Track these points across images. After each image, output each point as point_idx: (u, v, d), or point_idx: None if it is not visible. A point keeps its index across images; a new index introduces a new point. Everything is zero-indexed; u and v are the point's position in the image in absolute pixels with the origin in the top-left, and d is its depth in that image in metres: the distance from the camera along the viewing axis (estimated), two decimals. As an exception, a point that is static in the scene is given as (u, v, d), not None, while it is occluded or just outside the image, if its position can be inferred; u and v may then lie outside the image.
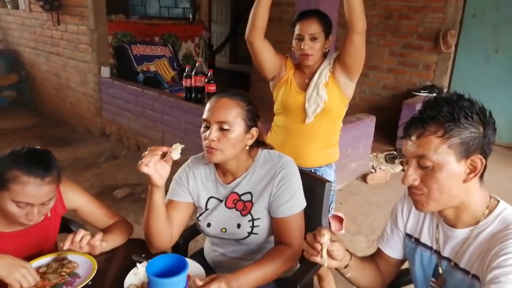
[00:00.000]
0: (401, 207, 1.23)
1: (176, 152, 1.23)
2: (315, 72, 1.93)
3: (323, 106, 1.88)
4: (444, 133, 0.95)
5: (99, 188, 3.64)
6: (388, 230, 1.26)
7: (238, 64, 9.54)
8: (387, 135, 4.51)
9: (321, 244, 1.02)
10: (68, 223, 1.66)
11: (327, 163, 2.02)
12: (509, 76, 4.41)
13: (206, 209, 1.45)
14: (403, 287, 1.38)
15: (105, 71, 4.68)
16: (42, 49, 5.59)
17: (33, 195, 1.23)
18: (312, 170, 1.98)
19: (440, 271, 1.11)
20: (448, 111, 0.95)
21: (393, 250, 1.25)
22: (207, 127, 1.32)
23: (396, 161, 4.06)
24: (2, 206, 1.26)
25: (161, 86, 4.54)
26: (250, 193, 1.41)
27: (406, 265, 1.35)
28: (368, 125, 3.69)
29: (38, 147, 1.33)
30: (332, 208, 2.07)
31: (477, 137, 0.95)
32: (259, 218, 1.39)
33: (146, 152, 1.20)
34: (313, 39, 1.85)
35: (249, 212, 1.39)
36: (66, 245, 1.23)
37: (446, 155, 0.96)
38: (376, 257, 1.30)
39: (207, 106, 1.35)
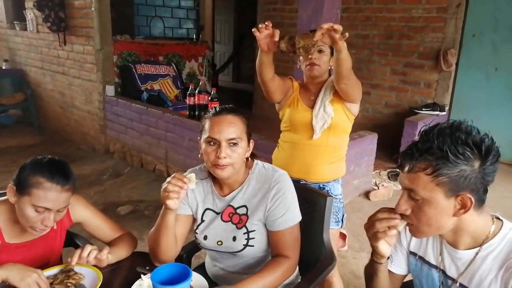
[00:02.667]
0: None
1: (192, 183, 1.30)
2: (320, 89, 1.96)
3: (330, 122, 1.91)
4: (432, 171, 0.95)
5: (103, 205, 3.65)
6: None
7: (241, 83, 9.65)
8: (390, 153, 4.52)
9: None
10: (73, 237, 1.68)
11: (335, 178, 2.03)
12: (510, 94, 4.44)
13: (202, 220, 1.47)
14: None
15: (110, 90, 4.76)
16: (48, 68, 5.69)
17: (53, 201, 1.28)
18: (321, 186, 1.99)
19: None
20: (439, 147, 0.94)
21: (398, 267, 1.27)
22: (213, 144, 1.34)
23: (399, 178, 4.06)
24: (21, 210, 1.30)
25: (165, 105, 4.59)
26: (245, 206, 1.43)
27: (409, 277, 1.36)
28: (370, 142, 3.71)
29: (57, 157, 1.38)
30: (344, 219, 2.08)
31: (469, 174, 0.94)
32: (254, 231, 1.40)
33: (170, 181, 1.25)
34: (320, 51, 1.90)
35: (244, 225, 1.41)
36: (74, 260, 1.27)
37: (434, 192, 0.96)
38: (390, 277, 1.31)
39: (209, 123, 1.36)
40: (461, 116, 5.14)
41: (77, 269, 1.32)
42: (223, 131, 1.33)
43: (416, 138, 1.03)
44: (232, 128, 1.34)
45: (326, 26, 1.49)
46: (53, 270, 1.33)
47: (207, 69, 5.88)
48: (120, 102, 4.62)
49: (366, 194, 3.64)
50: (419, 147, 0.98)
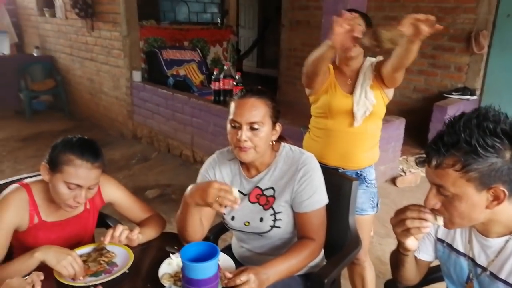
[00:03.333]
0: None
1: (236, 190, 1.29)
2: (357, 73, 1.87)
3: (371, 109, 1.84)
4: (462, 167, 0.91)
5: (131, 189, 3.72)
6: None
7: (265, 68, 9.59)
8: (418, 138, 4.43)
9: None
10: (105, 218, 1.74)
11: (371, 163, 1.99)
12: (546, 77, 4.26)
13: None
14: (434, 283, 1.37)
15: (137, 76, 4.83)
16: (77, 55, 5.82)
17: (84, 178, 1.33)
18: (358, 172, 1.95)
19: (472, 276, 1.11)
20: (466, 141, 0.90)
21: (425, 253, 1.26)
22: (236, 127, 1.36)
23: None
24: (54, 188, 1.35)
25: (190, 90, 4.64)
26: (272, 188, 1.45)
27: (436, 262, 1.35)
28: (397, 127, 3.65)
29: (86, 137, 1.43)
30: (379, 204, 2.06)
31: (500, 166, 0.90)
32: (280, 212, 1.42)
33: (220, 191, 1.24)
34: None
35: (271, 206, 1.43)
36: (107, 240, 1.33)
37: (464, 188, 0.93)
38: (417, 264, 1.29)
39: (233, 106, 1.38)
40: (493, 101, 4.92)
41: (109, 247, 1.37)
42: (245, 114, 1.34)
43: (442, 129, 0.98)
44: (254, 111, 1.34)
45: (419, 16, 1.34)
46: (86, 249, 1.39)
47: (231, 54, 5.87)
48: (147, 88, 4.69)
49: (393, 180, 3.59)
50: (445, 141, 0.93)
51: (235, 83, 3.52)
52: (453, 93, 4.60)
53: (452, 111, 4.32)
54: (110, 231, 1.34)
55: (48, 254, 1.23)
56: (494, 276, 1.04)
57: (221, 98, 3.75)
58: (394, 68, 1.69)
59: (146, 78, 4.96)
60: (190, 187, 1.36)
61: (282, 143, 1.50)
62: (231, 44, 5.83)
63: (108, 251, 1.35)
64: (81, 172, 1.32)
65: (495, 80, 4.62)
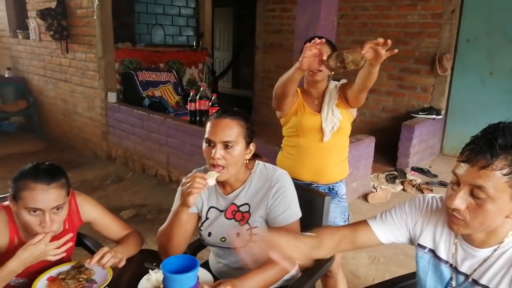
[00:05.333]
0: (415, 219, 1.23)
1: (212, 179, 1.37)
2: (323, 94, 2.02)
3: (338, 124, 1.98)
4: (510, 171, 0.92)
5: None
6: (388, 217, 1.25)
7: (240, 89, 9.75)
8: (388, 156, 4.60)
9: None
10: (83, 238, 1.75)
11: (342, 178, 2.11)
12: (505, 98, 4.53)
13: (207, 218, 1.55)
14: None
15: (112, 97, 4.84)
16: (51, 76, 5.78)
17: (42, 200, 1.31)
18: (330, 187, 2.06)
19: (454, 284, 1.13)
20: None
21: (382, 232, 1.25)
22: (210, 145, 1.43)
23: (397, 181, 4.13)
24: (20, 217, 1.35)
25: (166, 111, 4.67)
26: (248, 204, 1.51)
27: (409, 270, 1.41)
28: (367, 145, 3.79)
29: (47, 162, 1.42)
30: (350, 219, 2.15)
31: None
32: (256, 227, 1.48)
33: (188, 180, 1.34)
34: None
35: (247, 222, 1.49)
36: (92, 264, 1.33)
37: (503, 192, 0.93)
38: (357, 227, 1.30)
39: (209, 125, 1.45)
40: (457, 119, 5.22)
41: (87, 265, 1.38)
42: (219, 133, 1.41)
43: (488, 130, 0.97)
44: (227, 131, 1.41)
45: (378, 41, 1.47)
46: (65, 267, 1.40)
47: (207, 76, 5.96)
48: (122, 109, 4.70)
49: (365, 197, 3.70)
50: (500, 143, 0.92)
51: (211, 104, 3.59)
52: (420, 113, 4.82)
53: (420, 130, 4.53)
54: (96, 257, 1.34)
55: (22, 258, 1.27)
56: (475, 282, 1.08)
57: (197, 118, 3.81)
58: (358, 90, 1.85)
59: (121, 99, 4.97)
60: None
61: (257, 161, 1.57)
62: (206, 66, 5.93)
63: (87, 268, 1.37)
64: (36, 195, 1.30)
65: (459, 100, 4.88)
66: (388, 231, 1.25)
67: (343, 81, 2.04)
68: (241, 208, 1.51)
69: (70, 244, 1.41)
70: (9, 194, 1.38)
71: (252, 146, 1.50)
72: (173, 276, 0.98)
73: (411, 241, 1.26)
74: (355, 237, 1.27)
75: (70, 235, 1.41)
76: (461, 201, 0.98)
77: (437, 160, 4.96)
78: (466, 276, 1.10)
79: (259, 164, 1.56)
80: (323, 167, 2.04)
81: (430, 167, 4.65)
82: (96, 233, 1.66)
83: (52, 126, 6.09)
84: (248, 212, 1.49)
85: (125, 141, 4.77)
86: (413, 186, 4.05)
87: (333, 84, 2.04)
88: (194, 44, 6.06)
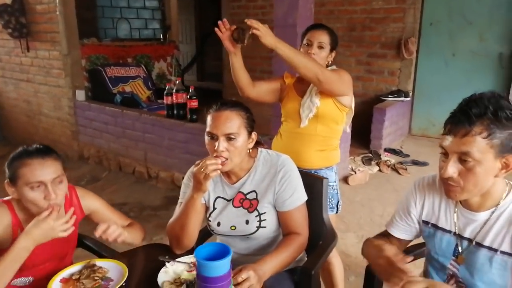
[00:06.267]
0: (413, 199, 1.33)
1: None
2: None
3: (315, 111, 1.99)
4: (488, 134, 1.03)
5: (86, 210, 3.61)
6: (397, 217, 1.38)
7: (206, 81, 9.65)
8: (362, 139, 4.73)
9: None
10: (83, 239, 1.72)
11: (327, 165, 2.11)
12: (467, 78, 4.75)
13: (214, 208, 1.56)
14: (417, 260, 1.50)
15: (80, 95, 4.68)
16: (10, 76, 5.51)
17: (40, 172, 1.33)
18: (313, 172, 2.07)
19: (460, 250, 1.22)
20: (492, 112, 1.03)
21: (402, 233, 1.38)
22: (213, 138, 1.43)
23: (372, 162, 4.26)
24: (24, 198, 1.36)
25: (139, 106, 4.58)
26: (255, 191, 1.53)
27: (418, 240, 1.47)
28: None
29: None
30: (340, 206, 2.18)
31: None
32: (265, 213, 1.50)
33: (200, 165, 1.34)
34: (320, 47, 1.98)
35: (256, 209, 1.51)
36: (98, 233, 1.36)
37: (486, 154, 1.04)
38: (387, 236, 1.43)
39: (209, 119, 1.45)
40: (424, 100, 5.40)
41: (99, 263, 1.36)
42: (220, 126, 1.42)
43: (463, 104, 1.08)
44: (228, 123, 1.42)
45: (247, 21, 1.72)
46: (76, 267, 1.36)
47: (176, 69, 5.88)
48: (93, 107, 4.56)
49: (345, 179, 3.80)
50: (474, 112, 1.03)
51: (188, 97, 3.56)
52: (389, 96, 4.98)
53: (391, 112, 4.68)
54: (102, 227, 1.36)
55: (33, 235, 1.27)
56: (479, 245, 1.17)
57: (175, 112, 3.76)
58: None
59: (90, 97, 4.82)
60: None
61: (259, 148, 1.59)
62: (175, 59, 5.84)
63: (100, 267, 1.34)
64: (35, 169, 1.33)
65: (424, 82, 5.07)
66: (403, 230, 1.38)
67: (334, 67, 2.07)
68: (248, 196, 1.52)
69: (75, 217, 1.41)
70: (6, 182, 1.38)
71: (254, 135, 1.51)
72: (207, 263, 0.99)
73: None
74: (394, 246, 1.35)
75: (72, 209, 1.41)
76: (452, 169, 1.08)
77: (407, 140, 5.16)
78: (470, 241, 1.19)
79: (262, 152, 1.58)
80: (304, 152, 2.06)
81: (401, 147, 4.83)
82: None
83: (15, 129, 5.82)
84: (256, 199, 1.51)
85: (98, 139, 4.64)
86: (388, 166, 4.20)
87: None
88: (161, 37, 5.95)
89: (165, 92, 3.76)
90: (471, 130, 1.04)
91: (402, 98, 4.95)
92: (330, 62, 2.06)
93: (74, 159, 4.96)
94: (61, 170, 1.40)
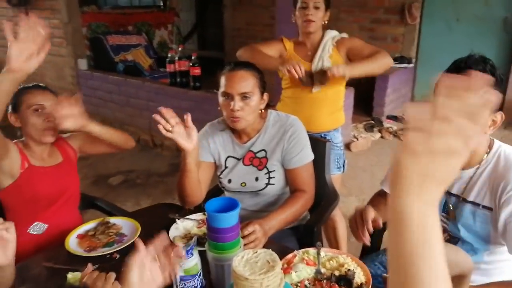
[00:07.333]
0: None
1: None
2: (318, 45, 2.07)
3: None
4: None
5: (94, 177, 3.69)
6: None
7: (207, 50, 9.55)
8: (364, 107, 4.75)
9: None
10: (94, 200, 1.81)
11: (335, 127, 2.18)
12: (471, 43, 4.70)
13: (226, 167, 1.62)
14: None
15: (83, 64, 4.68)
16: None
17: (41, 97, 1.53)
18: (322, 135, 2.13)
19: (451, 206, 1.30)
20: (490, 70, 1.10)
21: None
22: (229, 99, 1.47)
23: (374, 129, 4.30)
24: (26, 122, 1.52)
25: (142, 74, 4.59)
26: (264, 150, 1.59)
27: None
28: (347, 96, 3.84)
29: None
30: (346, 165, 2.25)
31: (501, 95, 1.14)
32: (274, 170, 1.57)
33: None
34: (316, 8, 1.99)
35: (265, 166, 1.57)
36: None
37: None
38: (382, 194, 1.49)
39: (224, 79, 1.48)
40: (427, 66, 5.35)
41: (113, 221, 1.44)
42: (235, 86, 1.45)
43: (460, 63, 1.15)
44: (243, 82, 1.46)
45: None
46: (92, 224, 1.44)
47: (177, 37, 5.83)
48: (96, 75, 4.57)
49: (347, 146, 3.85)
50: (475, 69, 1.10)
51: (191, 64, 3.56)
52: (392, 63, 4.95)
53: (393, 79, 4.68)
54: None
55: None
56: (465, 200, 1.25)
57: (178, 79, 3.77)
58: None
59: (92, 65, 4.81)
60: None
61: (269, 110, 1.65)
62: (175, 27, 5.79)
63: (114, 224, 1.42)
64: (36, 94, 1.53)
65: (428, 48, 5.03)
66: None
67: (344, 35, 2.09)
68: (258, 154, 1.58)
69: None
70: (10, 112, 1.53)
71: (265, 96, 1.56)
72: (217, 215, 1.05)
73: None
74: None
75: None
76: None
77: (409, 107, 5.16)
78: (458, 197, 1.28)
79: (272, 113, 1.63)
80: (314, 116, 2.11)
81: (403, 114, 4.85)
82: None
83: (19, 99, 5.84)
84: (265, 157, 1.58)
85: (102, 109, 4.66)
86: (390, 133, 4.24)
87: (329, 35, 2.09)
88: (162, 4, 5.86)
89: (167, 59, 3.76)
90: None
91: (405, 65, 4.93)
92: (326, 22, 2.07)
93: (79, 129, 5.01)
94: (55, 100, 1.55)
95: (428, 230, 0.46)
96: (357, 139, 3.94)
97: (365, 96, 4.72)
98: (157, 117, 1.28)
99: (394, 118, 4.69)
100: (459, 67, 1.13)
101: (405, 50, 5.07)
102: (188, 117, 1.31)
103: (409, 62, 4.95)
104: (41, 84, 1.61)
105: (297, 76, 1.88)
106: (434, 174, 0.47)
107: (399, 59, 4.97)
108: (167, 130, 1.28)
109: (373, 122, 4.49)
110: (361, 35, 5.28)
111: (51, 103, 1.52)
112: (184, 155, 1.38)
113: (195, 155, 1.39)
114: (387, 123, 4.52)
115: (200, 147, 1.58)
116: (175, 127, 1.29)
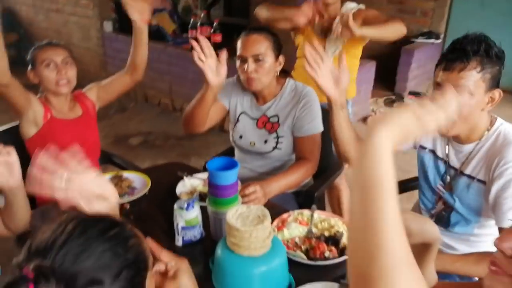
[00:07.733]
0: None
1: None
2: (335, 17, 2.05)
3: (340, 48, 2.07)
4: (481, 69, 1.13)
5: (114, 137, 3.83)
6: None
7: (233, 17, 9.45)
8: (387, 81, 4.68)
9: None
10: (112, 157, 1.96)
11: (346, 98, 2.20)
12: (505, 20, 4.53)
13: (237, 120, 1.70)
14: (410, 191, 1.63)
15: (108, 26, 4.75)
16: (41, 6, 5.58)
17: (53, 53, 1.65)
18: None
19: (448, 178, 1.35)
20: (485, 49, 1.13)
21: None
22: (243, 62, 1.53)
23: (395, 104, 4.26)
24: (41, 77, 1.64)
25: (165, 39, 4.62)
26: (277, 115, 1.66)
27: (412, 175, 1.57)
28: (368, 70, 3.85)
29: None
30: None
31: (499, 72, 1.16)
32: (283, 136, 1.64)
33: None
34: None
35: (276, 131, 1.64)
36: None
37: (479, 87, 1.15)
38: None
39: (239, 43, 1.56)
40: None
41: (126, 175, 1.53)
42: (248, 48, 1.52)
43: (456, 43, 1.18)
44: (256, 45, 1.52)
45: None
46: (106, 177, 1.53)
47: (202, 2, 5.80)
48: (120, 38, 4.64)
49: (364, 120, 3.85)
50: (469, 49, 1.13)
51: (212, 31, 3.57)
52: (419, 37, 4.82)
53: (419, 55, 4.57)
54: None
55: None
56: (462, 173, 1.31)
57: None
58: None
59: (117, 28, 4.88)
60: None
61: (288, 78, 1.70)
62: (201, -9, 5.75)
63: (126, 178, 1.51)
64: (47, 50, 1.65)
65: (458, 24, 4.86)
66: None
67: (361, 6, 2.08)
68: (271, 119, 1.66)
69: None
70: (29, 70, 1.67)
71: (281, 58, 1.61)
72: (217, 172, 1.12)
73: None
74: None
75: None
76: None
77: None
78: (456, 170, 1.33)
79: (290, 81, 1.69)
80: None
81: (426, 91, 4.76)
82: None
83: (47, 59, 6.00)
84: (278, 122, 1.65)
85: (125, 71, 4.75)
86: (410, 109, 4.19)
87: (347, 7, 2.10)
88: (188, -32, 5.82)
89: (189, 25, 3.78)
90: (468, 64, 1.13)
91: (433, 40, 4.79)
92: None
93: (103, 90, 5.14)
94: (69, 55, 1.70)
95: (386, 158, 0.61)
96: (375, 113, 3.92)
97: (389, 70, 4.65)
98: (193, 43, 1.36)
99: (416, 94, 4.61)
100: (454, 48, 1.17)
101: (434, 25, 4.91)
102: (223, 53, 1.38)
103: (437, 38, 4.81)
104: (53, 41, 1.73)
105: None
106: (407, 127, 0.66)
107: (426, 34, 4.83)
108: (200, 59, 1.37)
109: (394, 97, 4.44)
110: (389, 8, 5.14)
111: (62, 58, 1.65)
112: (206, 87, 1.45)
113: (215, 92, 1.46)
114: (409, 99, 4.46)
115: (223, 90, 1.62)
116: (208, 59, 1.37)
